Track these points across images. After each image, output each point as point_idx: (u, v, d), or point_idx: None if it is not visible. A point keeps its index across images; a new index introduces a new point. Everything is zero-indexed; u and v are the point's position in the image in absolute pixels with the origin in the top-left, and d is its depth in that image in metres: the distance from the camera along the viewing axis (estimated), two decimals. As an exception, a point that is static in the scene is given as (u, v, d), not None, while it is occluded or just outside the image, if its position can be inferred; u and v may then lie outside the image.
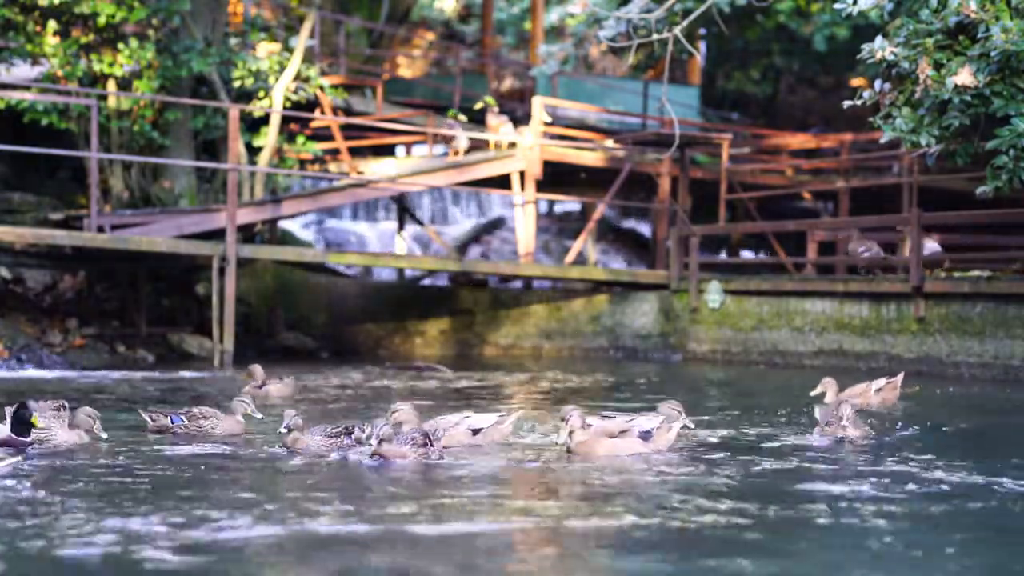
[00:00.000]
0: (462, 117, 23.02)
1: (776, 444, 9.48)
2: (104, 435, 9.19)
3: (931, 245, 16.99)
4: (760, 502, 7.10)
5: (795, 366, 17.42)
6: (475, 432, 9.29)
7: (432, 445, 8.58)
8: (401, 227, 22.60)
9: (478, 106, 22.41)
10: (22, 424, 8.86)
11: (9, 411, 9.01)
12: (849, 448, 9.21)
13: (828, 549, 6.14)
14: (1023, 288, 15.36)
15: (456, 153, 21.35)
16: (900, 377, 12.48)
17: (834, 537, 6.38)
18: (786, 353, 17.95)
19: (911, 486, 7.60)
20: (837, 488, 7.60)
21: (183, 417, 9.83)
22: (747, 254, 25.58)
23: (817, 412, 9.93)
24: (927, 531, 6.52)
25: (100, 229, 17.09)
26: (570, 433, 8.77)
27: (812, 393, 12.46)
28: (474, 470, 8.23)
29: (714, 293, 18.84)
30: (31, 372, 15.59)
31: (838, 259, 19.18)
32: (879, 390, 12.31)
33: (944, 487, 7.65)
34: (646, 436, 8.96)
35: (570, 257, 20.88)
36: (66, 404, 10.01)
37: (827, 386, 12.34)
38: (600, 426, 8.93)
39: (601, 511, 6.85)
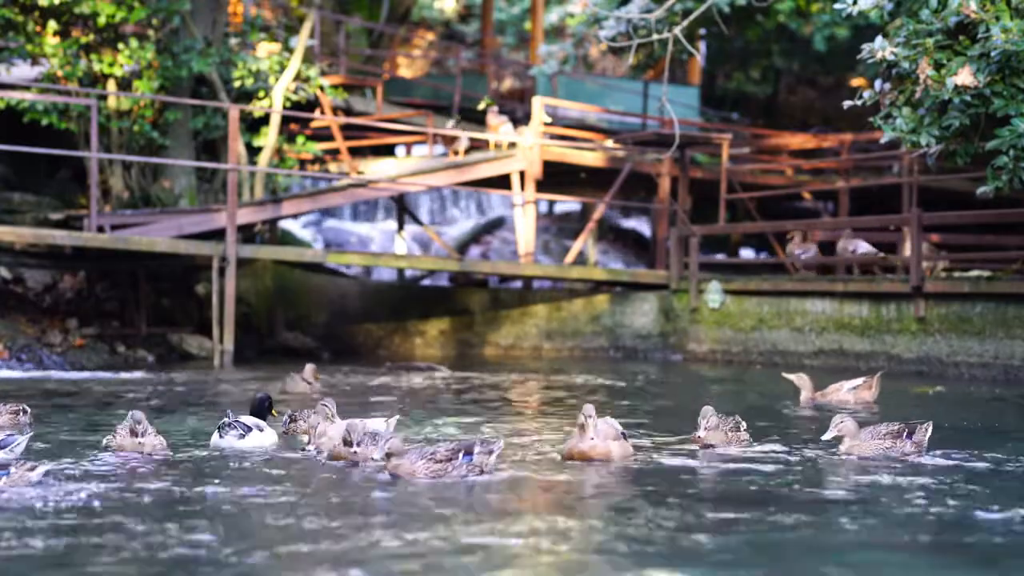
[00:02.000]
0: (450, 123, 23.08)
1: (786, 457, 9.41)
2: (143, 440, 8.95)
3: (863, 245, 17.18)
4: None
5: (795, 366, 17.36)
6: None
7: (454, 460, 7.75)
8: (401, 227, 22.60)
9: (481, 106, 22.41)
10: (262, 412, 9.54)
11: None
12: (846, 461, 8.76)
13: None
14: (1023, 288, 15.37)
15: (456, 153, 21.35)
16: (877, 377, 12.48)
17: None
18: (786, 353, 17.94)
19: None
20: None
21: (287, 419, 9.85)
22: (747, 254, 25.57)
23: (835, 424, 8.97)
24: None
25: (100, 229, 17.09)
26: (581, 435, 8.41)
27: (785, 375, 12.46)
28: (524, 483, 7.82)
29: (714, 293, 18.83)
30: (31, 372, 15.59)
31: (838, 259, 19.17)
32: (854, 389, 12.30)
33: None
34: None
35: (570, 257, 20.87)
36: (27, 408, 9.97)
37: (801, 382, 12.31)
38: (603, 429, 8.64)
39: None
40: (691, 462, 8.71)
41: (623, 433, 8.76)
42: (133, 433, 8.84)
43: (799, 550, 6.13)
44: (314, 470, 8.25)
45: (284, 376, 13.64)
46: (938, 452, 9.02)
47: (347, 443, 8.21)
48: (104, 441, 8.97)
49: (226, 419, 9.26)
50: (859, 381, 12.42)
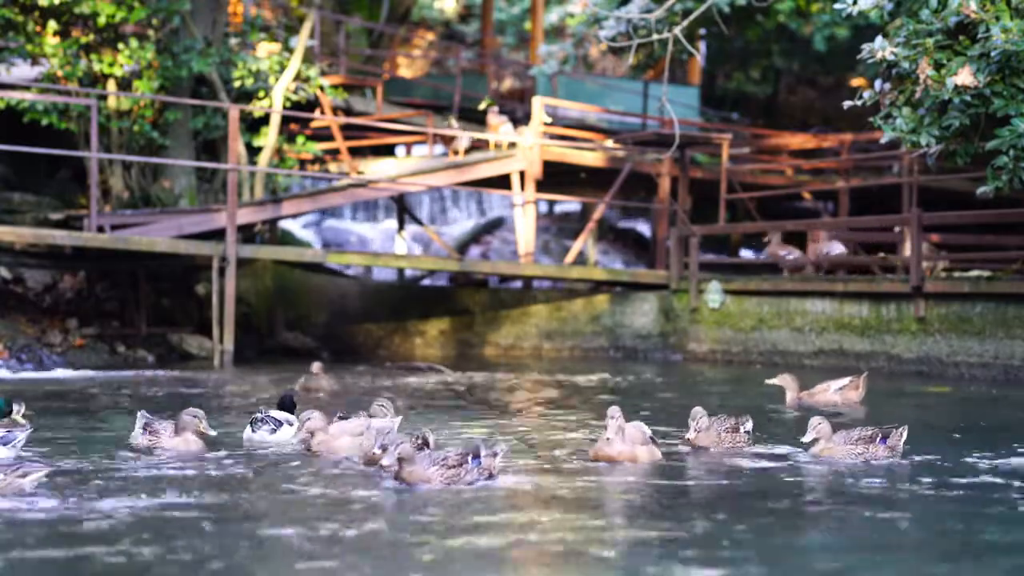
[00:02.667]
0: (454, 123, 23.08)
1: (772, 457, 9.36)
2: (213, 432, 8.91)
3: (837, 247, 17.32)
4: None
5: (795, 366, 17.37)
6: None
7: (465, 465, 7.52)
8: (401, 227, 22.60)
9: (482, 106, 22.38)
10: (291, 408, 9.84)
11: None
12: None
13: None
14: (1023, 288, 15.36)
15: (456, 153, 21.35)
16: (863, 377, 12.47)
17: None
18: (786, 353, 17.94)
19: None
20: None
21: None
22: (747, 254, 25.57)
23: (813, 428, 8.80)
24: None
25: (100, 229, 17.09)
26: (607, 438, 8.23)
27: (768, 381, 12.34)
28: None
29: (714, 293, 18.83)
30: (31, 372, 15.58)
31: (838, 259, 19.17)
32: (840, 389, 12.29)
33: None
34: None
35: (570, 257, 20.87)
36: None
37: (785, 383, 12.23)
38: (631, 433, 8.40)
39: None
40: (688, 463, 8.69)
41: (651, 437, 8.59)
42: (179, 431, 8.79)
43: (792, 552, 6.15)
44: (335, 471, 8.21)
45: (296, 375, 13.72)
46: (925, 454, 8.95)
47: (384, 448, 7.89)
48: (135, 440, 8.88)
49: (258, 414, 9.49)
50: (845, 381, 12.40)
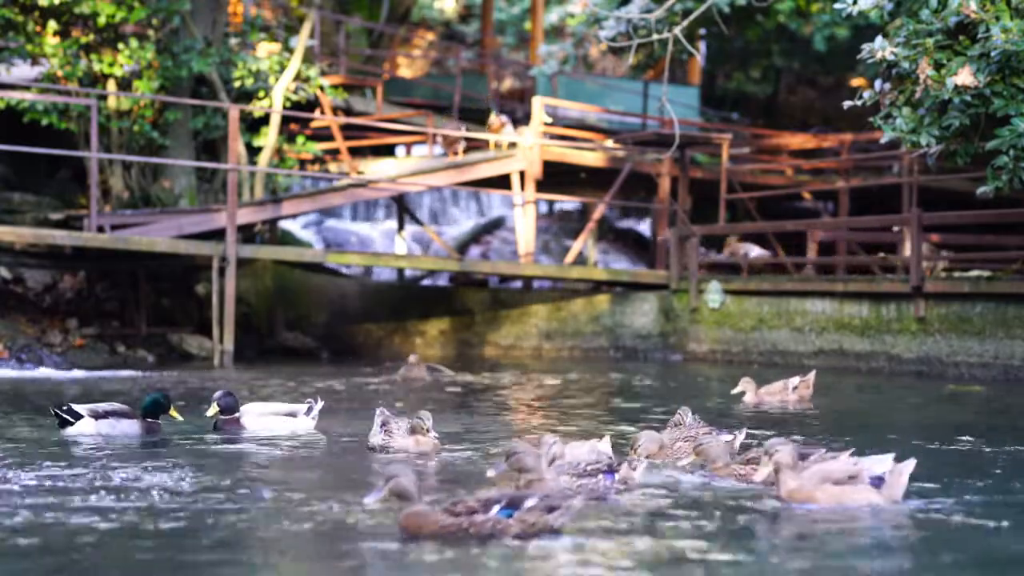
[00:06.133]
0: (463, 127, 23.07)
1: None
2: (436, 435, 8.73)
3: (756, 249, 17.99)
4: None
5: (795, 366, 17.36)
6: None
7: (477, 514, 5.94)
8: (401, 227, 22.59)
9: (491, 121, 22.32)
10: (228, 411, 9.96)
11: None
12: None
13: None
14: (1023, 288, 15.36)
15: (456, 153, 21.34)
16: (812, 375, 12.66)
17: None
18: (786, 353, 17.94)
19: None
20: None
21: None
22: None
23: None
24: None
25: (100, 229, 17.09)
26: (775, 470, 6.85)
27: (733, 392, 12.41)
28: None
29: (714, 293, 18.83)
30: (31, 372, 15.57)
31: (838, 259, 19.19)
32: (795, 387, 12.47)
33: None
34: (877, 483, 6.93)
35: (570, 257, 20.87)
36: None
37: (746, 385, 12.43)
38: (820, 468, 6.94)
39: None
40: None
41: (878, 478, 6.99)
42: (414, 431, 8.72)
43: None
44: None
45: (295, 375, 13.76)
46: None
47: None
48: (373, 441, 8.78)
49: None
50: (797, 380, 12.61)
